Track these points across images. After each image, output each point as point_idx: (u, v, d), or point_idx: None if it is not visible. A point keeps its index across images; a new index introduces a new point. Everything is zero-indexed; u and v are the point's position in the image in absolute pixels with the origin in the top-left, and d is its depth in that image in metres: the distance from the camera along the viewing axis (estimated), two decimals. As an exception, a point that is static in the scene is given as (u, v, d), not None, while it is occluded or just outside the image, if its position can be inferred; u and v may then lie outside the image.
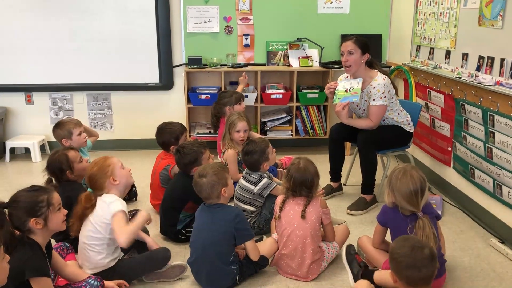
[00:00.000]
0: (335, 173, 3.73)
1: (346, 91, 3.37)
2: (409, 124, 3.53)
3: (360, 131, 3.42)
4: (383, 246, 2.54)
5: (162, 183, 3.34)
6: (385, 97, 3.32)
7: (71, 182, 2.83)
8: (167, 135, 3.43)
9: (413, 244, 1.92)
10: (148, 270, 2.55)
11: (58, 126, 3.40)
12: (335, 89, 3.45)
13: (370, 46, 3.42)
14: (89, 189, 2.47)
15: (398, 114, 3.49)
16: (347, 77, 3.51)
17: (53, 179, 2.86)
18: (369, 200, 3.49)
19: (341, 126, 3.57)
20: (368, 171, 3.47)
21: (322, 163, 3.63)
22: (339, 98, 3.37)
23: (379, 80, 3.35)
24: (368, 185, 3.51)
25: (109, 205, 2.39)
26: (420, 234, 2.25)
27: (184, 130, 3.52)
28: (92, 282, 2.27)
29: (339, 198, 3.70)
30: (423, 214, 2.31)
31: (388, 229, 2.51)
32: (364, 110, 3.49)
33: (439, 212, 3.30)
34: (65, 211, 2.20)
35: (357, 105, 3.51)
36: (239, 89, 4.43)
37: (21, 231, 2.04)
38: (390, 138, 3.50)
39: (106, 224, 2.38)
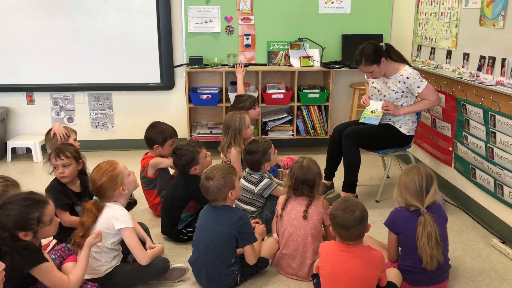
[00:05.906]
0: (330, 172, 3.75)
1: (372, 111, 3.53)
2: (410, 126, 3.52)
3: (348, 127, 3.46)
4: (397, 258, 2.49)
5: (145, 185, 3.36)
6: (422, 79, 3.40)
7: (55, 180, 2.77)
8: (157, 133, 3.38)
9: (346, 206, 2.16)
10: (147, 279, 2.55)
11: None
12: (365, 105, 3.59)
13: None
14: (94, 197, 2.44)
15: (403, 116, 3.50)
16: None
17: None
18: None
19: (344, 129, 3.55)
20: (348, 166, 3.47)
21: (323, 163, 3.63)
22: (364, 118, 3.57)
23: (408, 69, 3.43)
24: (348, 182, 3.49)
25: (114, 218, 2.37)
26: (421, 231, 2.26)
27: (174, 135, 3.44)
28: None
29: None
30: (425, 211, 2.31)
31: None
32: (384, 96, 3.53)
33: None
34: (57, 220, 2.19)
35: (378, 91, 3.57)
36: (238, 80, 4.46)
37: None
38: (379, 137, 3.51)
39: (107, 234, 2.38)
